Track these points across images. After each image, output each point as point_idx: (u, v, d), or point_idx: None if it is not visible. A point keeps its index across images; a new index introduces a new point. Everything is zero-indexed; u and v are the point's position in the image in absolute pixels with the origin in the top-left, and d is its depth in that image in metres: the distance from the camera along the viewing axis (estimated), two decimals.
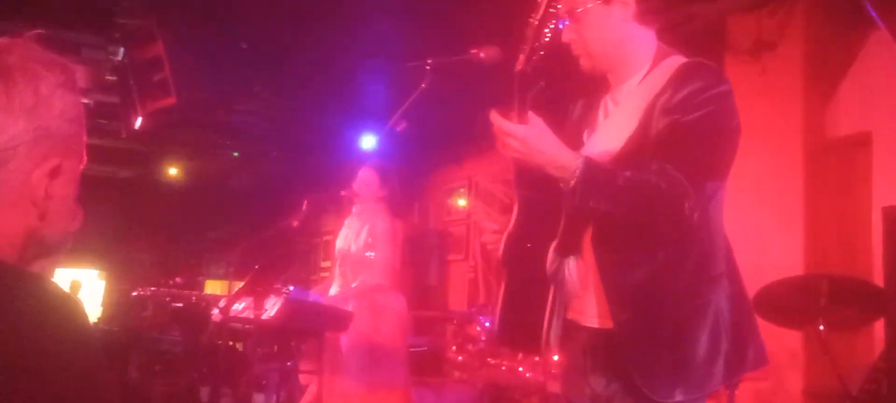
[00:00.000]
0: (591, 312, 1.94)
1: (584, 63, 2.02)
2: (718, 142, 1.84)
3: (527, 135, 1.74)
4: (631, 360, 1.81)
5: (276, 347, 5.19)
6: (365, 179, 4.68)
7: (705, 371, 1.83)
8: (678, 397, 1.80)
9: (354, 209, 4.73)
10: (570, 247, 1.95)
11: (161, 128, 7.16)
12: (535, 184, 1.93)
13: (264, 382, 5.56)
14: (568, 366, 2.06)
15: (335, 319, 4.21)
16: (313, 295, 4.22)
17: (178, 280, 5.34)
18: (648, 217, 1.77)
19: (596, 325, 1.94)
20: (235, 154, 9.32)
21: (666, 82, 1.88)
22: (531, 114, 1.75)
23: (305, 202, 4.32)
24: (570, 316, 2.01)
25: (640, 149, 1.83)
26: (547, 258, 1.98)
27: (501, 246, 2.04)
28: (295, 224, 4.28)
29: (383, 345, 4.42)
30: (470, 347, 5.47)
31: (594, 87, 2.08)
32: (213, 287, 11.01)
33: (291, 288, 4.04)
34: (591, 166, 1.74)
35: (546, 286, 2.00)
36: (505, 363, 5.06)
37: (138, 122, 5.65)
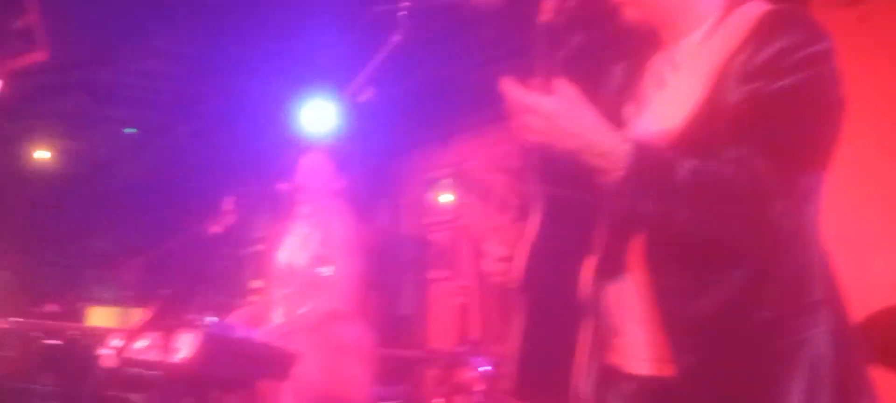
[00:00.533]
0: (639, 354, 1.96)
1: (629, 12, 2.05)
2: (817, 121, 1.84)
3: (557, 111, 1.75)
4: None
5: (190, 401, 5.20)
6: (314, 168, 4.70)
7: None
8: None
9: (301, 209, 4.75)
10: (612, 266, 1.97)
11: (25, 95, 7.12)
12: (563, 180, 1.95)
13: None
14: None
15: (272, 362, 4.22)
16: (242, 330, 4.23)
17: (51, 307, 5.33)
18: (721, 223, 1.79)
19: (646, 372, 1.96)
20: (128, 130, 9.29)
21: (743, 39, 1.89)
22: (561, 83, 1.76)
23: (228, 199, 4.33)
24: (611, 359, 2.03)
25: (708, 129, 1.84)
26: (579, 281, 2.01)
27: (515, 268, 2.06)
28: (214, 229, 4.30)
29: (343, 397, 4.44)
30: (461, 400, 5.50)
31: (639, 47, 2.11)
32: (98, 316, 10.97)
33: (211, 319, 4.05)
34: (643, 153, 1.76)
35: (578, 319, 2.03)
36: None
37: None
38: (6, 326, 5.36)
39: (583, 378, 2.04)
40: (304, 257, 4.62)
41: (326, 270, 4.52)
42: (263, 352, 4.21)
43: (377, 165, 8.55)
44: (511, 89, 1.78)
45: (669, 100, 1.97)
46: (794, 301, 1.85)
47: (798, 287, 1.86)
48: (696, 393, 1.83)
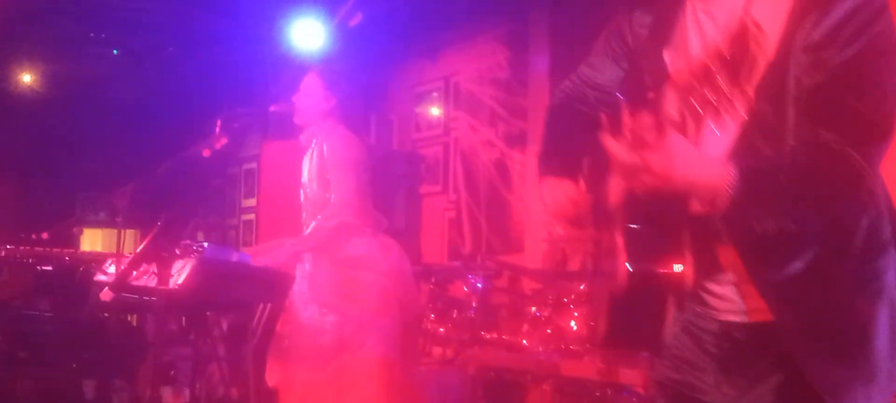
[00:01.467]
0: (731, 306, 2.04)
1: None
2: (890, 84, 1.82)
3: (675, 154, 1.74)
4: (810, 373, 1.89)
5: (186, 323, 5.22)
6: (307, 88, 4.67)
7: (891, 365, 1.92)
8: None
9: (302, 136, 4.73)
10: (705, 262, 2.00)
11: (8, 18, 7.01)
12: (648, 215, 1.96)
13: (173, 372, 5.59)
14: (678, 363, 2.16)
15: (268, 284, 4.23)
16: (238, 254, 4.22)
17: (44, 235, 5.30)
18: (821, 218, 1.83)
19: (739, 320, 2.03)
20: (115, 51, 9.18)
21: (798, 4, 1.85)
22: (671, 131, 1.75)
23: (220, 121, 4.29)
24: (699, 307, 2.11)
25: (774, 103, 1.83)
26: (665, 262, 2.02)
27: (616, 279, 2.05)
28: (206, 153, 4.27)
29: (355, 312, 4.45)
30: (455, 315, 5.52)
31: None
32: (92, 238, 10.98)
33: (205, 244, 4.03)
34: (747, 177, 1.76)
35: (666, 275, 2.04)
36: (505, 336, 5.12)
37: None
38: (0, 254, 5.33)
39: (671, 322, 2.12)
40: (311, 182, 4.62)
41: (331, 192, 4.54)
42: (259, 275, 4.23)
43: (366, 81, 8.48)
44: (625, 138, 1.75)
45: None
46: (872, 243, 1.92)
47: (874, 230, 1.93)
48: (798, 337, 1.90)
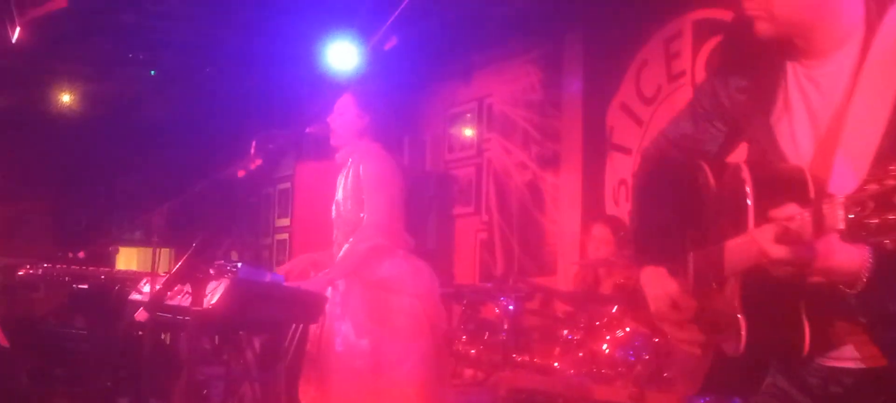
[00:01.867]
0: (840, 355, 2.04)
1: (763, 27, 2.06)
2: None
3: (813, 258, 1.77)
4: None
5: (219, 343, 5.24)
6: (340, 108, 4.69)
7: None
8: None
9: (338, 156, 4.75)
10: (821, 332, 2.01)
11: (48, 41, 7.09)
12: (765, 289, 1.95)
13: (206, 391, 5.61)
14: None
15: (301, 305, 4.24)
16: (271, 275, 4.24)
17: (80, 253, 5.35)
18: None
19: (850, 366, 2.04)
20: (152, 72, 9.26)
21: None
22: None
23: (255, 143, 4.32)
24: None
25: None
26: None
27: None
28: (240, 173, 4.30)
29: (390, 335, 4.45)
30: (487, 337, 5.50)
31: (768, 56, 2.12)
32: (128, 257, 11.06)
33: (239, 264, 4.05)
34: (880, 265, 1.78)
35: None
36: (536, 359, 5.10)
37: (16, 34, 5.60)
38: (37, 272, 5.38)
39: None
40: (346, 203, 4.63)
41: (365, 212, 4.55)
42: (292, 296, 4.24)
43: (400, 102, 8.50)
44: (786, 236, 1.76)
45: (859, 120, 1.97)
46: None
47: None
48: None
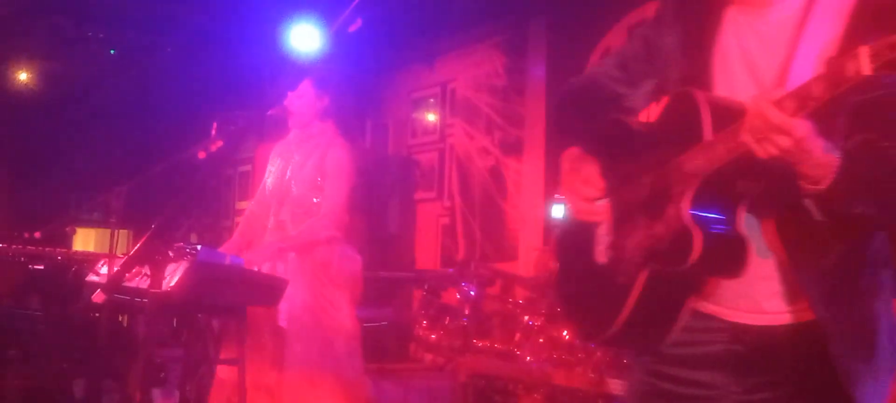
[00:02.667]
0: (759, 306, 2.08)
1: None
2: None
3: (806, 135, 1.78)
4: (833, 362, 1.97)
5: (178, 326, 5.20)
6: (299, 91, 4.67)
7: (891, 359, 2.06)
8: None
9: (291, 135, 4.73)
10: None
11: (5, 17, 7.00)
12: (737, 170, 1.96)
13: (163, 374, 5.57)
14: (685, 378, 2.18)
15: (261, 288, 4.22)
16: (231, 257, 4.21)
17: (36, 233, 5.29)
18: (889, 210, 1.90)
19: (760, 322, 2.09)
20: (112, 51, 9.17)
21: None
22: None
23: (216, 124, 4.28)
24: (708, 309, 2.14)
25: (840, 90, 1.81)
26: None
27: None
28: (201, 154, 4.25)
29: (333, 321, 4.47)
30: (447, 322, 5.51)
31: (697, 6, 2.16)
32: (85, 238, 10.96)
33: (198, 246, 4.02)
34: (852, 157, 1.82)
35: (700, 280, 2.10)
36: (497, 344, 5.11)
37: None
38: None
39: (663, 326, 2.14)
40: (299, 186, 4.62)
41: (319, 197, 4.55)
42: (252, 279, 4.21)
43: (363, 86, 8.48)
44: (769, 110, 1.78)
45: (790, 78, 1.96)
46: (882, 255, 2.04)
47: (883, 243, 2.04)
48: (834, 336, 1.97)
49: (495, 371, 4.99)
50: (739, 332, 2.11)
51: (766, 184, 1.95)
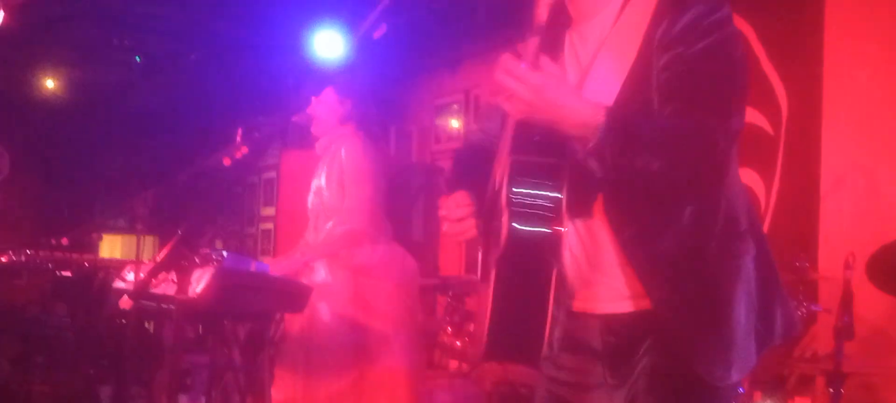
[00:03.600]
0: (610, 295, 2.23)
1: (542, 5, 2.22)
2: (735, 73, 2.14)
3: (543, 85, 1.95)
4: (679, 343, 2.15)
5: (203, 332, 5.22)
6: (322, 98, 4.68)
7: (747, 342, 2.20)
8: (734, 376, 2.17)
9: (318, 144, 4.74)
10: (578, 224, 2.23)
11: (32, 26, 7.05)
12: (535, 147, 2.09)
13: (189, 380, 5.59)
14: (575, 376, 2.32)
15: (287, 294, 4.23)
16: (257, 264, 4.23)
17: (63, 240, 5.33)
18: (686, 170, 2.06)
19: (619, 310, 2.23)
20: (138, 58, 9.22)
21: (656, 13, 2.15)
22: (546, 60, 1.98)
23: (240, 131, 4.30)
24: (577, 307, 2.30)
25: (642, 93, 2.10)
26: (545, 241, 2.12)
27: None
28: (226, 161, 4.27)
29: (375, 322, 4.45)
30: (472, 328, 5.50)
31: (550, 23, 2.25)
32: (112, 244, 11.01)
33: (224, 253, 4.04)
34: (615, 117, 1.97)
35: (550, 272, 2.13)
36: None
37: (0, 19, 5.57)
38: (19, 259, 5.36)
39: (552, 330, 2.21)
40: (328, 191, 4.61)
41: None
42: (278, 286, 4.22)
43: (386, 92, 8.48)
44: (507, 63, 1.97)
45: (600, 73, 2.20)
46: (730, 230, 2.19)
47: (731, 218, 2.20)
48: (674, 319, 2.14)
49: (520, 378, 4.98)
50: (609, 322, 2.25)
51: (557, 160, 2.06)
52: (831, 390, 3.83)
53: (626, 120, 2.00)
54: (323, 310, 4.47)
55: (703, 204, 2.16)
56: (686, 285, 2.15)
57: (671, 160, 2.02)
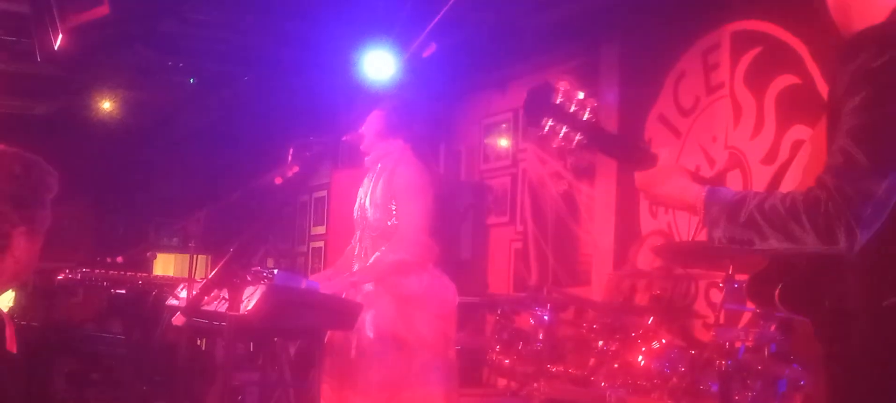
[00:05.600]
0: None
1: None
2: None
3: (643, 184, 2.35)
4: None
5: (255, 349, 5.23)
6: (374, 118, 4.68)
7: None
8: None
9: (366, 159, 4.73)
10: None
11: (89, 48, 7.13)
12: None
13: (241, 397, 5.61)
14: None
15: (337, 312, 4.22)
16: (307, 282, 4.23)
17: (119, 259, 5.37)
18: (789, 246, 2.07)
19: None
20: (192, 80, 9.32)
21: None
22: (662, 155, 2.35)
23: (292, 150, 4.31)
24: None
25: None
26: None
27: None
28: (278, 180, 4.29)
29: (416, 348, 4.43)
30: (521, 347, 5.46)
31: None
32: (165, 263, 11.13)
33: (275, 270, 4.05)
34: (713, 199, 2.17)
35: None
36: (571, 370, 5.05)
37: (58, 41, 5.64)
38: (75, 277, 5.41)
39: None
40: (374, 210, 4.59)
41: (393, 221, 4.51)
42: (328, 303, 4.22)
43: (436, 112, 8.49)
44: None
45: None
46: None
47: None
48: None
49: (569, 396, 4.94)
50: None
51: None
52: None
53: (724, 201, 2.17)
54: (367, 327, 4.45)
55: None
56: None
57: (763, 242, 2.11)
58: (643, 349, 4.76)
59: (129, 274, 5.47)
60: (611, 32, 7.12)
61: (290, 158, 4.29)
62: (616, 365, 4.79)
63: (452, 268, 8.19)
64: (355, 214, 4.76)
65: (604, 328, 5.29)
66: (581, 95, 2.28)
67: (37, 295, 6.54)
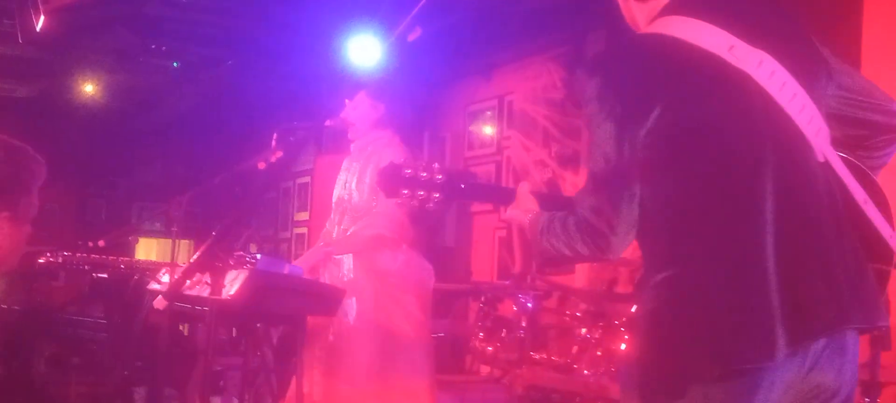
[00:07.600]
0: None
1: None
2: None
3: (507, 219, 2.64)
4: None
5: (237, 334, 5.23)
6: (355, 102, 4.67)
7: None
8: None
9: (352, 145, 4.72)
10: None
11: (72, 30, 7.10)
12: None
13: (223, 382, 5.60)
14: None
15: (319, 297, 4.22)
16: (290, 267, 4.22)
17: (100, 242, 5.35)
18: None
19: None
20: (175, 64, 9.29)
21: None
22: (514, 191, 2.60)
23: (275, 135, 4.30)
24: None
25: None
26: None
27: None
28: (261, 165, 4.28)
29: (397, 330, 4.44)
30: (504, 334, 5.46)
31: None
32: (147, 247, 11.09)
33: (258, 255, 4.03)
34: (531, 220, 2.47)
35: None
36: (554, 357, 5.06)
37: (40, 22, 5.61)
38: (57, 260, 5.39)
39: None
40: (358, 193, 4.60)
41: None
42: (311, 288, 4.22)
43: (420, 98, 8.49)
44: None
45: None
46: None
47: None
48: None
49: (552, 383, 4.95)
50: None
51: None
52: (867, 399, 3.78)
53: (536, 221, 2.45)
54: (349, 313, 4.46)
55: None
56: None
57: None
58: (626, 337, 4.77)
59: (110, 258, 5.46)
60: (596, 20, 7.12)
61: (273, 143, 4.28)
62: (599, 353, 4.80)
63: (436, 255, 8.23)
64: (335, 197, 4.77)
65: (587, 316, 5.30)
66: (436, 165, 2.43)
67: (18, 278, 6.51)
